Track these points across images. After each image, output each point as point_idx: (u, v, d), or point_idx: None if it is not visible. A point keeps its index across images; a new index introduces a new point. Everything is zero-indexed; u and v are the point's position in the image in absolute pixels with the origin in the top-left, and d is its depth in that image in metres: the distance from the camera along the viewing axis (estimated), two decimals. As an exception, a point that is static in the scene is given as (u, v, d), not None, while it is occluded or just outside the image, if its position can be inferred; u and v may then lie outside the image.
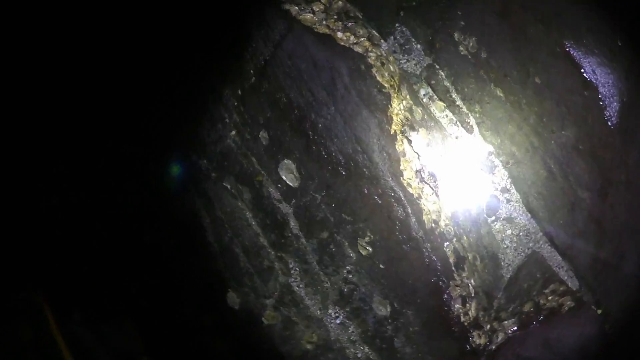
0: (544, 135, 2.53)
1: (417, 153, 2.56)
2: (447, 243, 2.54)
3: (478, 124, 2.58)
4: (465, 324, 2.54)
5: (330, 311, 2.64)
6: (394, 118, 2.55)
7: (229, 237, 2.64)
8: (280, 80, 2.59)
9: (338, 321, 2.63)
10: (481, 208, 2.59)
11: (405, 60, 2.61)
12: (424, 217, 2.53)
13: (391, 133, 2.54)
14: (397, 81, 2.57)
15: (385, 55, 2.59)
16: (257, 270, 2.62)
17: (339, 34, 2.59)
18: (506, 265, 2.59)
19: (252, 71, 2.62)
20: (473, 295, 2.55)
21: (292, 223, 2.61)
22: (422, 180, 2.55)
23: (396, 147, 2.53)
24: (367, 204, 2.55)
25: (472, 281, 2.55)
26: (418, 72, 2.61)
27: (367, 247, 2.56)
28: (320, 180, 2.57)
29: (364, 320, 2.61)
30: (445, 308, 2.52)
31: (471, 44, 2.57)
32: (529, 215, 2.58)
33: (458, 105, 2.59)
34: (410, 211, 2.52)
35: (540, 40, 2.53)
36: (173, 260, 2.71)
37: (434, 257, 2.52)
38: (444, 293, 2.52)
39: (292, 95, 2.58)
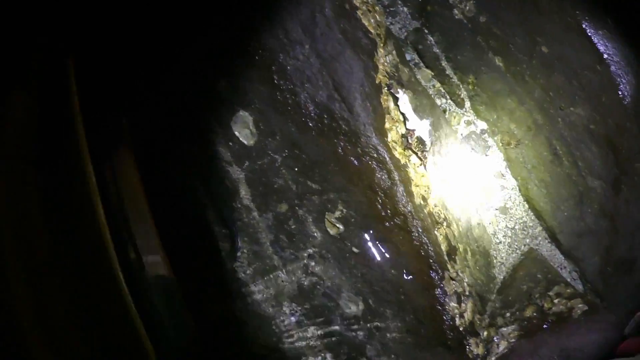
0: (550, 112, 2.17)
1: (404, 115, 2.13)
2: (438, 227, 2.07)
3: (470, 97, 2.21)
4: (461, 328, 2.02)
5: (284, 308, 2.06)
6: (380, 67, 2.12)
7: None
8: (248, 16, 2.13)
9: (294, 319, 2.05)
10: (472, 194, 2.17)
11: (389, 23, 2.24)
12: (413, 189, 2.06)
13: (376, 82, 2.10)
14: (383, 32, 2.17)
15: (371, 4, 2.20)
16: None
17: (321, -28, 2.20)
18: (499, 263, 2.16)
19: (214, 5, 2.16)
20: (468, 294, 2.06)
21: (243, 191, 2.07)
22: (408, 146, 2.11)
23: (381, 100, 2.09)
24: (342, 168, 2.05)
25: (465, 277, 2.07)
26: (403, 37, 2.23)
27: (338, 225, 2.04)
28: (283, 136, 2.07)
29: (327, 321, 2.04)
30: (439, 307, 2.01)
31: (468, 7, 2.23)
32: (527, 205, 2.19)
33: (448, 75, 2.22)
34: (397, 178, 2.04)
35: (551, 9, 2.22)
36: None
37: (425, 238, 2.02)
38: (437, 287, 2.01)
39: (259, 33, 2.12)
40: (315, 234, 2.05)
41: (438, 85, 2.22)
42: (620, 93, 2.20)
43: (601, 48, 2.22)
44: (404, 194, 2.04)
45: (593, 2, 2.24)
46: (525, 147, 2.18)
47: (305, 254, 2.04)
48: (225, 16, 2.16)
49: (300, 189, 2.06)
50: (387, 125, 2.07)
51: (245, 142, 2.08)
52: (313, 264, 2.04)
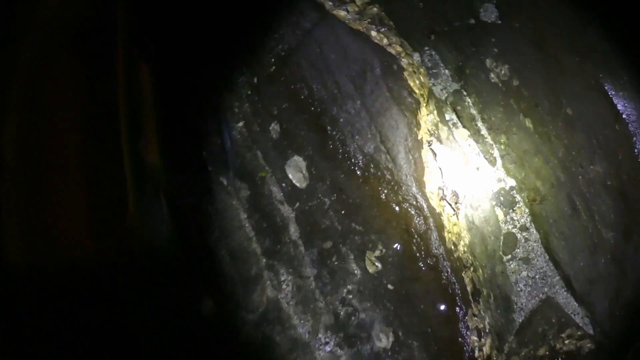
0: (572, 170, 2.39)
1: (441, 169, 2.36)
2: (465, 271, 2.28)
3: (502, 156, 2.42)
4: (479, 360, 2.24)
5: (320, 336, 2.27)
6: (422, 125, 2.37)
7: (216, 236, 2.30)
8: (304, 70, 2.39)
9: (328, 349, 2.26)
10: (497, 245, 2.37)
11: (431, 84, 2.47)
12: (445, 234, 2.29)
13: (418, 138, 2.35)
14: (426, 93, 2.41)
15: (416, 65, 2.45)
16: (242, 279, 2.26)
17: (373, 33, 2.45)
18: (519, 309, 2.35)
19: (273, 59, 2.42)
20: (488, 331, 2.27)
21: (292, 229, 2.30)
22: (444, 197, 2.34)
23: (422, 155, 2.33)
24: (384, 213, 2.29)
25: (487, 317, 2.28)
26: (444, 98, 2.46)
27: (376, 263, 2.26)
28: (332, 182, 2.31)
29: (358, 352, 2.25)
30: (460, 339, 2.22)
31: (503, 71, 2.47)
32: (547, 256, 2.38)
33: (482, 135, 2.44)
34: (432, 224, 2.28)
35: (575, 72, 2.46)
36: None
37: (453, 278, 2.25)
38: (460, 321, 2.23)
39: (314, 86, 2.38)
40: (355, 270, 2.27)
41: (473, 144, 2.42)
42: (635, 149, 2.42)
43: (620, 107, 2.44)
44: (437, 238, 2.27)
45: (614, 65, 2.46)
46: (548, 203, 2.39)
47: (345, 289, 2.26)
48: (281, 64, 2.42)
49: (344, 229, 2.29)
50: (425, 177, 2.31)
51: (298, 185, 2.32)
52: (351, 297, 2.26)
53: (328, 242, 2.29)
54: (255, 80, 2.41)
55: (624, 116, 2.43)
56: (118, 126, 1.87)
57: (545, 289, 2.37)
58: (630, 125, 2.43)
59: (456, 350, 2.23)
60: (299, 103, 2.38)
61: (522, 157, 2.42)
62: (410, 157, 2.32)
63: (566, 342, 2.30)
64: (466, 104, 2.46)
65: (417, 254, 2.26)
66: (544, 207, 2.40)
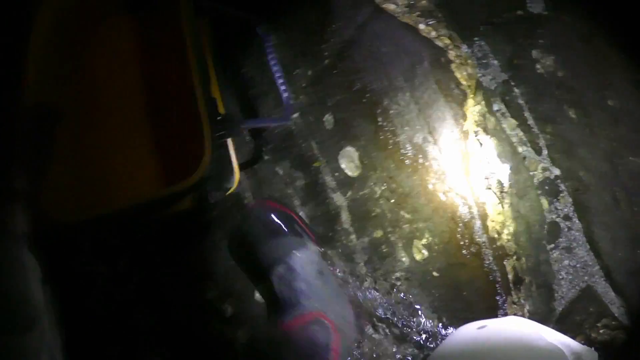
0: (614, 162, 2.44)
1: (487, 159, 2.44)
2: (508, 259, 2.38)
3: (548, 146, 2.48)
4: (516, 347, 2.34)
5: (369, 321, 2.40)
6: (469, 116, 2.46)
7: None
8: (357, 63, 2.50)
9: (376, 335, 2.38)
10: (542, 233, 2.45)
11: (481, 75, 2.54)
12: (489, 223, 2.38)
13: (464, 130, 2.44)
14: (474, 84, 2.49)
15: (464, 57, 2.53)
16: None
17: (421, 26, 2.55)
18: (559, 297, 2.41)
19: (327, 52, 2.52)
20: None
21: (344, 217, 2.42)
22: (489, 187, 2.42)
23: (468, 145, 2.42)
24: (431, 201, 2.40)
25: (527, 305, 2.37)
26: (493, 88, 2.53)
27: (423, 251, 2.37)
28: (382, 171, 2.42)
29: (404, 335, 2.37)
30: (498, 327, 2.33)
31: (549, 62, 2.53)
32: (589, 246, 2.43)
33: (529, 125, 2.50)
34: (476, 213, 2.38)
35: (620, 67, 2.50)
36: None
37: (495, 266, 2.35)
38: (500, 308, 2.33)
39: (367, 78, 2.48)
40: (404, 258, 2.38)
41: (521, 134, 2.48)
42: (675, 143, 2.48)
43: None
44: (481, 227, 2.37)
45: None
46: (591, 193, 2.44)
47: (394, 276, 2.37)
48: (335, 57, 2.53)
49: (394, 218, 2.40)
50: (471, 167, 2.40)
51: (350, 174, 2.43)
52: (399, 283, 2.37)
53: (379, 230, 2.40)
54: (310, 72, 2.52)
55: (667, 110, 2.48)
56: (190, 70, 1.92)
57: (586, 278, 2.42)
58: (672, 119, 2.48)
59: (495, 338, 2.33)
60: (352, 95, 2.49)
61: (567, 147, 2.47)
62: (457, 148, 2.42)
63: (601, 331, 2.36)
64: (514, 94, 2.52)
65: (461, 242, 2.36)
66: (587, 197, 2.45)
